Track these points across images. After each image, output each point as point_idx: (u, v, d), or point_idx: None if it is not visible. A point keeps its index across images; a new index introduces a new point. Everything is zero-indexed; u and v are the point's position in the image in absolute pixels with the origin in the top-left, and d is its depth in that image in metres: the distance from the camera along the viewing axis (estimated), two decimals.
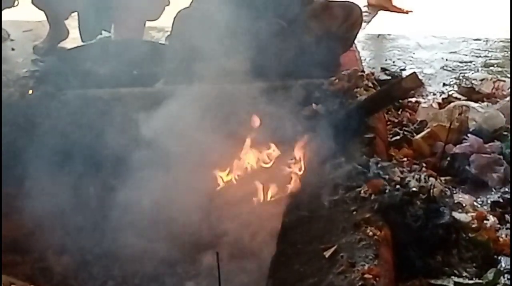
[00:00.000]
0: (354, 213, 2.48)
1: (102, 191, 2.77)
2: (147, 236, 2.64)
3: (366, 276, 2.10)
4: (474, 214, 2.76)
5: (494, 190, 3.04)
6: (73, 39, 4.58)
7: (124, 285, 2.50)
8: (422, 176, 2.67)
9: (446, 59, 4.61)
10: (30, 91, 3.34)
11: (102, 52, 3.93)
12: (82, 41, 4.41)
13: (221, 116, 3.11)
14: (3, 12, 4.45)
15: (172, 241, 2.61)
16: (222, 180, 2.92)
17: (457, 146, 3.25)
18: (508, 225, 2.82)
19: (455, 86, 4.11)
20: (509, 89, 3.88)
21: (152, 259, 2.55)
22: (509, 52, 4.78)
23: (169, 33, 4.21)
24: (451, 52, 4.73)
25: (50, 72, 3.77)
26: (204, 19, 3.75)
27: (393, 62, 4.48)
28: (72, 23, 4.59)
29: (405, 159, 3.22)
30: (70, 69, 3.56)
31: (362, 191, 2.58)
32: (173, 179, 2.81)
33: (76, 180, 2.75)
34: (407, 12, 5.71)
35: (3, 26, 4.76)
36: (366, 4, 5.87)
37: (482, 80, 4.07)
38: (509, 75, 4.28)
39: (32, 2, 4.51)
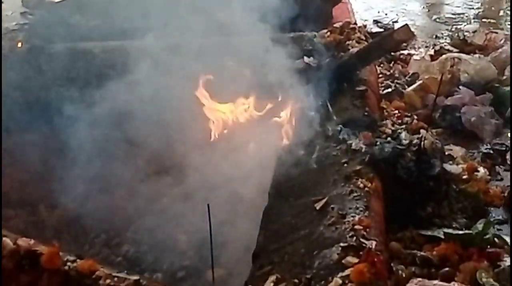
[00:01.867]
0: (345, 165, 2.48)
1: (93, 144, 2.75)
2: (141, 191, 2.65)
3: (356, 227, 2.11)
4: (464, 166, 2.78)
5: (484, 142, 3.03)
6: None
7: (117, 237, 2.51)
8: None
9: (439, 11, 4.57)
10: (20, 44, 3.31)
11: (92, 5, 3.88)
12: None
13: (217, 67, 3.09)
14: None
15: (162, 191, 2.61)
16: (216, 130, 2.92)
17: (449, 98, 3.26)
18: (499, 176, 2.83)
19: (448, 38, 4.10)
20: (503, 41, 3.85)
21: (143, 212, 2.56)
22: (502, 4, 4.75)
23: None
24: (443, 3, 4.69)
25: (39, 25, 3.73)
26: None
27: (386, 14, 4.45)
28: None
29: (396, 111, 3.22)
30: (59, 22, 3.52)
31: (353, 144, 2.58)
32: (165, 126, 2.81)
33: (65, 131, 2.73)
34: None
35: None
36: None
37: (474, 32, 4.07)
38: (501, 28, 4.26)
39: None
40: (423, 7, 4.67)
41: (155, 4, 3.92)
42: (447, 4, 4.69)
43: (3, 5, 4.48)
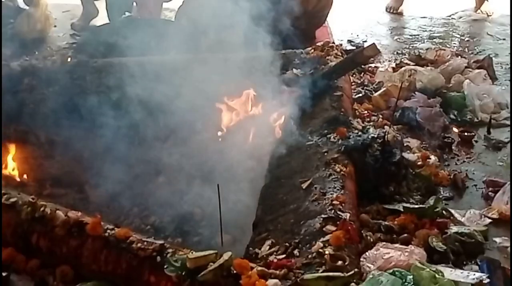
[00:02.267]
0: (325, 154, 2.48)
1: (129, 140, 2.74)
2: (165, 175, 2.64)
3: (334, 202, 2.11)
4: (419, 154, 2.77)
5: (435, 135, 3.02)
6: (102, 18, 4.49)
7: (146, 210, 2.50)
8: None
9: (399, 33, 4.56)
10: (69, 59, 3.30)
11: (126, 28, 3.87)
12: (109, 20, 4.33)
13: (222, 78, 3.08)
14: None
15: (182, 176, 2.61)
16: (225, 126, 2.92)
17: (407, 101, 3.25)
18: (446, 162, 2.83)
19: (406, 54, 4.09)
20: (449, 57, 3.84)
21: (166, 190, 2.55)
22: (449, 27, 4.73)
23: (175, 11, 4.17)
24: (402, 27, 4.69)
25: (85, 44, 3.72)
26: (205, 1, 3.69)
27: (357, 35, 4.44)
28: (101, 5, 4.50)
29: (365, 112, 3.21)
30: (100, 42, 3.51)
31: (331, 137, 2.58)
32: (188, 124, 2.81)
33: (106, 129, 2.72)
34: None
35: (48, 7, 4.66)
36: None
37: (427, 49, 4.06)
38: (448, 46, 4.25)
39: None
40: (387, 30, 4.64)
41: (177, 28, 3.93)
42: (405, 28, 4.67)
43: (56, 28, 4.47)
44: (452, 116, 3.22)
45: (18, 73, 3.04)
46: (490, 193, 2.56)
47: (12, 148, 2.71)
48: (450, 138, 3.01)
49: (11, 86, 2.92)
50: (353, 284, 1.71)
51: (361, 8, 5.06)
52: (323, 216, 2.04)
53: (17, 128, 2.79)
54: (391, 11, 5.02)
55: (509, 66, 3.95)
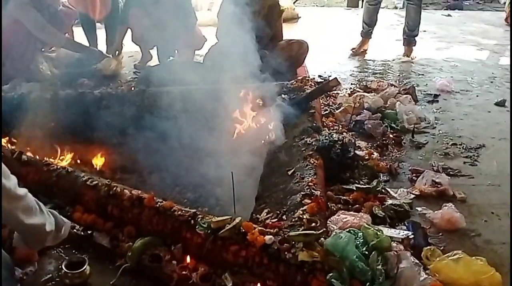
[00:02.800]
0: (304, 151, 2.48)
1: (175, 141, 2.73)
2: (197, 164, 2.64)
3: (309, 184, 2.12)
4: (366, 151, 2.76)
5: (377, 139, 3.01)
6: (154, 61, 4.49)
7: (184, 189, 2.50)
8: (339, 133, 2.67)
9: (352, 71, 4.54)
10: (132, 88, 3.29)
11: (171, 68, 3.87)
12: (159, 62, 4.33)
13: (233, 102, 3.08)
14: (124, 47, 4.43)
15: (209, 166, 2.60)
16: (234, 134, 2.91)
17: (358, 116, 3.23)
18: (384, 157, 2.81)
19: (357, 84, 4.07)
20: (386, 86, 3.82)
21: (198, 175, 2.54)
22: (386, 66, 4.71)
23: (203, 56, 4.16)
24: (355, 67, 4.66)
25: (143, 78, 3.71)
26: (223, 50, 3.69)
27: (324, 72, 4.41)
28: (154, 52, 4.49)
29: (330, 123, 3.19)
30: (154, 76, 3.49)
31: (308, 140, 2.58)
32: (211, 132, 2.80)
33: (157, 134, 2.72)
34: None
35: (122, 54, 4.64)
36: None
37: (371, 81, 4.03)
38: (385, 79, 4.22)
39: (132, 40, 4.43)
40: (345, 68, 4.62)
41: (204, 67, 3.92)
42: (357, 67, 4.65)
43: (124, 67, 4.47)
44: (388, 126, 3.20)
45: (99, 98, 3.04)
46: (413, 177, 2.55)
47: (94, 148, 2.71)
48: (387, 141, 2.98)
49: (94, 107, 2.92)
50: (322, 238, 1.71)
51: (328, 53, 5.03)
52: (302, 193, 2.05)
53: (98, 135, 2.79)
54: (355, 53, 4.95)
55: (425, 92, 3.93)
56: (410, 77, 4.36)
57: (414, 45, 4.89)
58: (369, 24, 4.96)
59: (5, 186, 1.41)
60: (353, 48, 5.03)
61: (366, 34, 5.03)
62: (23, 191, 1.52)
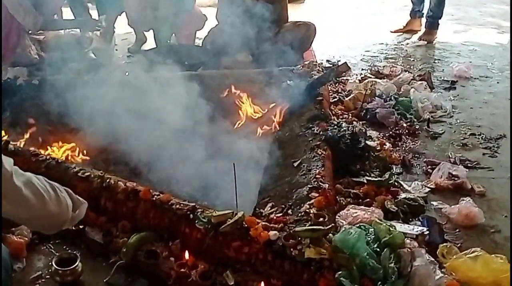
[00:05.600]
0: (311, 141, 2.47)
1: (173, 130, 2.72)
2: (196, 152, 2.63)
3: (317, 176, 2.11)
4: (378, 142, 2.75)
5: (389, 128, 3.00)
6: (150, 44, 4.47)
7: (182, 182, 2.49)
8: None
9: (363, 55, 4.52)
10: (127, 73, 3.28)
11: (168, 52, 3.85)
12: (156, 45, 4.31)
13: (235, 87, 3.06)
14: (116, 27, 4.42)
15: (210, 156, 2.60)
16: (237, 123, 2.90)
17: (369, 104, 3.22)
18: (397, 148, 2.81)
19: (368, 70, 4.05)
20: (400, 72, 3.81)
21: (196, 166, 2.54)
22: (399, 50, 4.68)
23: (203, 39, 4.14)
24: (366, 51, 4.64)
25: (138, 62, 3.69)
26: (224, 32, 3.67)
27: (333, 57, 4.39)
28: (149, 34, 4.47)
29: (339, 111, 3.18)
30: (149, 61, 3.48)
31: (315, 129, 2.57)
32: (212, 119, 2.79)
33: (153, 124, 2.71)
34: None
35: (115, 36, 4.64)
36: None
37: (383, 66, 4.01)
38: (399, 64, 4.20)
39: (128, 24, 4.41)
40: (356, 52, 4.59)
41: (204, 51, 3.89)
42: (368, 51, 4.62)
43: (117, 51, 4.45)
44: (401, 114, 3.18)
45: (90, 84, 3.03)
46: (429, 170, 2.54)
47: (86, 137, 2.70)
48: (400, 130, 2.98)
49: (86, 94, 2.90)
50: (330, 234, 1.71)
51: (337, 36, 5.00)
52: (309, 186, 2.04)
53: (89, 124, 2.78)
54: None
55: (442, 79, 3.91)
56: (425, 62, 4.33)
57: (437, 29, 4.85)
58: (415, 2, 4.88)
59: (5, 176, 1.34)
60: (397, 29, 4.98)
61: (414, 14, 4.98)
62: (25, 177, 1.40)
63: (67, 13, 4.48)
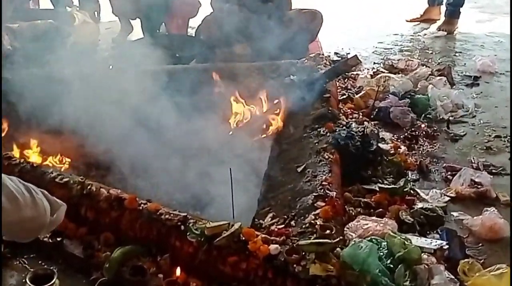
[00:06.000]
0: (316, 144, 2.47)
1: (162, 131, 2.72)
2: (188, 156, 2.63)
3: (323, 183, 2.11)
4: (392, 145, 2.76)
5: (404, 130, 3.01)
6: (137, 34, 4.48)
7: (172, 189, 2.50)
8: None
9: (376, 47, 4.53)
10: (111, 67, 3.29)
11: (157, 43, 3.85)
12: (143, 35, 4.31)
13: (231, 83, 3.07)
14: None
15: (200, 162, 2.60)
16: (233, 123, 2.91)
17: (382, 102, 3.22)
18: (414, 151, 2.81)
19: (381, 64, 4.06)
20: (416, 66, 3.82)
21: (189, 171, 2.54)
22: (416, 42, 4.69)
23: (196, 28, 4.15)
24: (379, 42, 4.65)
25: (122, 54, 3.70)
26: (220, 21, 3.68)
27: (342, 48, 4.40)
28: (136, 23, 4.48)
29: (349, 110, 3.19)
30: (136, 53, 3.48)
31: (321, 130, 2.57)
32: (203, 119, 2.79)
33: (140, 124, 2.71)
34: None
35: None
36: None
37: (398, 60, 4.02)
38: (415, 57, 4.21)
39: (112, 12, 4.42)
40: (367, 44, 4.60)
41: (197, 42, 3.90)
42: (381, 43, 4.63)
43: (100, 41, 4.46)
44: (418, 114, 3.18)
45: (70, 79, 3.03)
46: (448, 176, 2.54)
47: (65, 138, 2.70)
48: (417, 132, 2.98)
49: (65, 89, 2.90)
50: (338, 249, 1.71)
51: (346, 26, 5.01)
52: (314, 194, 2.04)
53: (68, 123, 2.77)
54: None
55: (463, 74, 3.92)
56: (445, 56, 4.34)
57: (458, 18, 4.86)
58: None
59: None
60: (414, 19, 4.97)
61: (432, 1, 4.99)
62: None
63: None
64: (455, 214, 2.26)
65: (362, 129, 2.51)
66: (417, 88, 3.46)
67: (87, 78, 3.04)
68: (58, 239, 1.94)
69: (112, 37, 4.53)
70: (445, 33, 4.83)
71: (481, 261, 1.96)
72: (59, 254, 1.91)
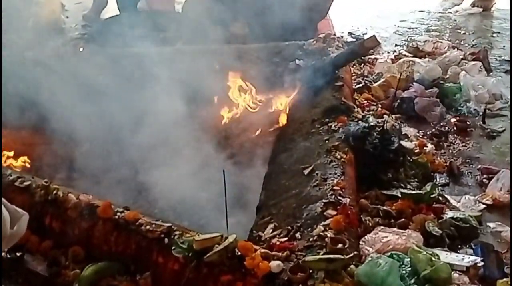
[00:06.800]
0: (327, 141, 2.47)
1: (143, 125, 2.73)
2: (173, 155, 2.64)
3: (335, 188, 2.11)
4: (416, 142, 2.76)
5: (432, 124, 3.02)
6: (112, 10, 4.48)
7: (154, 194, 2.50)
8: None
9: (398, 26, 4.54)
10: (81, 49, 3.29)
11: (136, 20, 3.86)
12: (119, 12, 4.31)
13: (226, 69, 3.07)
14: None
15: (187, 162, 2.60)
16: (227, 116, 2.91)
17: (405, 91, 3.23)
18: (443, 150, 2.81)
19: (404, 46, 4.07)
20: (446, 49, 3.83)
21: (174, 174, 2.54)
22: (445, 20, 4.70)
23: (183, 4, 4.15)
24: (401, 21, 4.66)
25: (96, 34, 3.71)
26: None
27: (358, 28, 4.42)
28: None
29: (365, 101, 3.20)
30: (110, 33, 3.49)
31: (332, 125, 2.57)
32: (191, 113, 2.80)
33: (117, 117, 2.71)
34: None
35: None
36: None
37: (424, 41, 4.03)
38: (445, 38, 4.22)
39: None
40: (387, 23, 4.61)
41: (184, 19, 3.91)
42: (404, 21, 4.63)
43: (68, 19, 4.46)
44: (448, 106, 3.19)
45: (32, 63, 3.03)
46: (484, 180, 2.54)
47: (25, 134, 2.70)
48: (446, 127, 2.99)
49: (27, 76, 2.91)
50: (352, 266, 1.71)
51: (362, 2, 5.02)
52: (324, 200, 2.04)
53: (31, 117, 2.78)
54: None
55: (502, 58, 3.93)
56: (480, 37, 4.35)
57: None
58: None
59: None
60: None
61: None
62: None
63: None
64: (491, 224, 2.25)
65: (381, 124, 2.51)
66: (447, 76, 3.46)
67: (53, 62, 3.05)
68: (18, 254, 1.93)
69: (83, 13, 4.53)
70: (481, 9, 4.85)
71: None
72: (19, 272, 1.91)
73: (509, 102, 3.28)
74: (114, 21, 3.92)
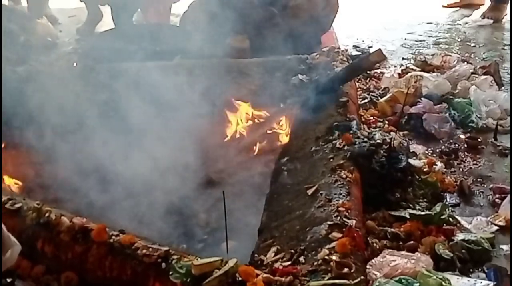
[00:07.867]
0: (331, 160, 2.47)
1: (138, 143, 2.74)
2: (170, 175, 2.64)
3: (340, 209, 2.11)
4: (425, 160, 2.76)
5: (441, 142, 3.02)
6: (107, 24, 4.52)
7: (151, 217, 2.50)
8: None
9: (405, 39, 4.57)
10: (75, 64, 3.32)
11: (131, 34, 3.89)
12: (115, 25, 4.35)
13: (226, 84, 3.09)
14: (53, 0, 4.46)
15: (186, 181, 2.61)
16: (227, 134, 2.92)
17: (413, 107, 3.24)
18: (453, 169, 2.82)
19: (412, 60, 4.09)
20: (455, 62, 3.85)
21: (172, 195, 2.55)
22: (454, 32, 4.73)
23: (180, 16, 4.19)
24: (408, 33, 4.69)
25: (90, 49, 3.74)
26: (210, 7, 3.71)
27: (363, 41, 4.44)
28: (106, 9, 4.52)
29: (371, 118, 3.20)
30: (106, 47, 3.52)
31: (337, 143, 2.58)
32: (188, 131, 2.81)
33: (111, 134, 2.72)
34: None
35: (53, 12, 4.72)
36: None
37: (433, 55, 4.05)
38: (454, 51, 4.24)
39: None
40: (393, 36, 4.64)
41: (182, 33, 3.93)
42: (411, 33, 4.66)
43: (61, 33, 4.50)
44: (458, 122, 3.20)
45: (24, 79, 3.05)
46: (497, 200, 2.54)
47: (16, 153, 2.71)
48: (456, 145, 2.99)
49: (18, 92, 2.92)
50: None
51: (367, 14, 5.06)
52: (328, 222, 2.04)
53: (23, 134, 2.79)
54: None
55: None
56: (491, 49, 4.37)
57: (506, 3, 4.90)
58: None
59: None
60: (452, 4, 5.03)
61: None
62: None
63: None
64: (504, 247, 2.25)
65: (388, 141, 2.52)
66: (456, 90, 3.47)
67: (46, 77, 3.07)
68: (8, 280, 1.93)
69: (77, 26, 4.57)
70: (491, 21, 4.88)
71: None
72: None
73: None
74: (109, 35, 3.96)
